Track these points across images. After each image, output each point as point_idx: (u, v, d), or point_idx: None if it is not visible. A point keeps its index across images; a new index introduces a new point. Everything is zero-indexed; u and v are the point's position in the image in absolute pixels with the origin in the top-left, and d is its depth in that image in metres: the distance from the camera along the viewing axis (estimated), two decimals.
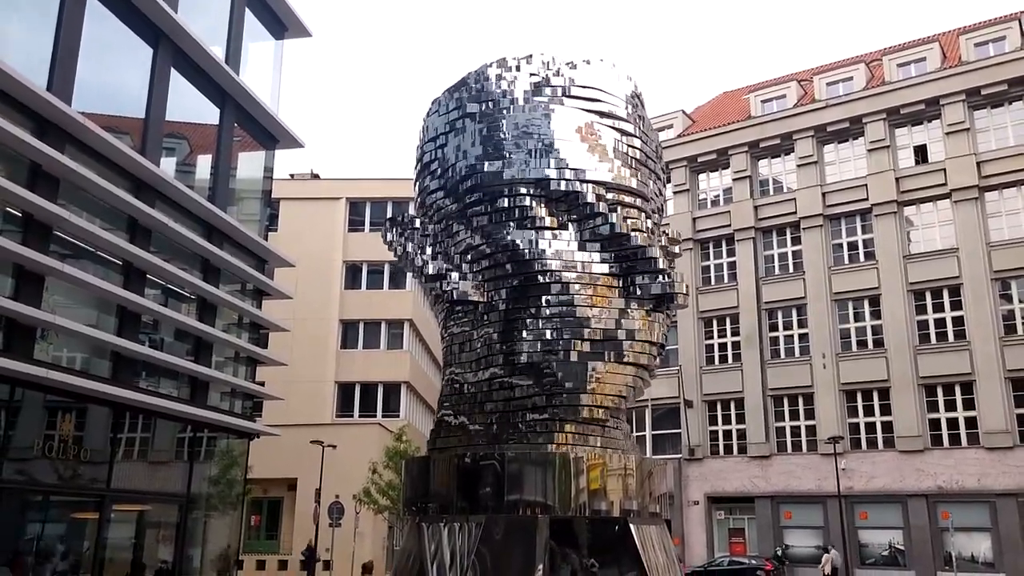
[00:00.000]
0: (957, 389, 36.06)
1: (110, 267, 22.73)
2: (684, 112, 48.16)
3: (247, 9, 29.99)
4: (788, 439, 39.58)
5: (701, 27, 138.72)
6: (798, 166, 41.86)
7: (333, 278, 47.99)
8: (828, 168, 41.44)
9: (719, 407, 41.71)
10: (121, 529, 24.53)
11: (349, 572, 36.94)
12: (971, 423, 35.41)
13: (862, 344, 38.78)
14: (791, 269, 41.35)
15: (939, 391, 36.45)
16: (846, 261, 40.03)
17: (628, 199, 15.42)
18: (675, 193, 44.23)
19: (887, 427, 37.20)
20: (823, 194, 40.74)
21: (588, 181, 14.96)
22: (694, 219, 43.84)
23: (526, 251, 14.69)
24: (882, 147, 39.58)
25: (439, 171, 15.74)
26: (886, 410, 37.36)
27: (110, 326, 22.61)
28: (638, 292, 14.61)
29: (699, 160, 44.61)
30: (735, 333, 41.94)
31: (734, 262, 42.87)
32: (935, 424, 36.24)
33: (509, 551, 13.06)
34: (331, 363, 46.91)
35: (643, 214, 15.47)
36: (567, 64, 15.69)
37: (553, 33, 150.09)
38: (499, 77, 15.59)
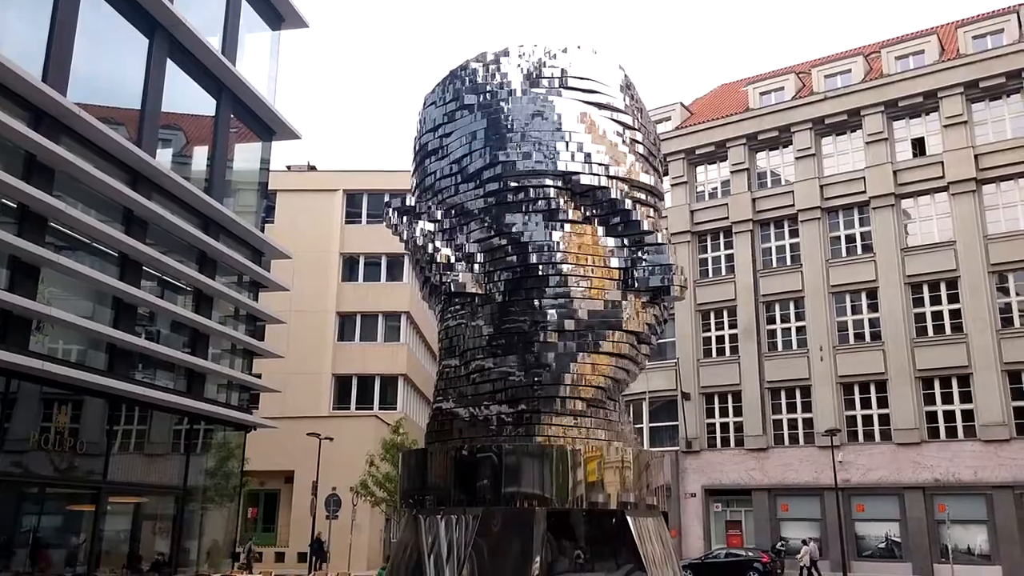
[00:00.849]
0: (954, 382, 36.09)
1: (106, 259, 22.69)
2: (682, 104, 48.10)
3: (243, 0, 29.88)
4: (785, 432, 39.62)
5: (700, 19, 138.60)
6: (796, 158, 41.82)
7: (330, 270, 47.93)
8: (826, 161, 41.41)
9: (716, 399, 41.74)
10: (117, 521, 24.54)
11: (347, 564, 36.96)
12: (968, 416, 35.44)
13: (859, 337, 38.79)
14: (789, 262, 41.34)
15: (936, 384, 36.48)
16: (844, 254, 40.02)
17: (642, 195, 15.43)
18: (673, 185, 44.22)
19: (884, 420, 37.23)
20: (821, 187, 40.71)
21: (614, 177, 14.92)
22: (692, 211, 43.80)
23: (538, 242, 14.59)
24: (880, 140, 39.55)
25: (446, 161, 15.63)
26: (883, 403, 37.39)
27: (106, 318, 22.57)
28: (635, 284, 14.55)
29: (697, 152, 44.55)
30: (733, 326, 41.94)
31: (732, 255, 42.85)
32: (932, 417, 36.28)
33: (507, 543, 13.05)
34: (328, 355, 46.88)
35: (655, 210, 15.46)
36: (550, 54, 15.57)
37: (550, 25, 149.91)
38: (493, 68, 15.49)
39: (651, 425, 42.25)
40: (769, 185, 42.91)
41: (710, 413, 41.83)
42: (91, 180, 21.14)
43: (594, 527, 15.08)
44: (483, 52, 16.05)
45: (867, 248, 39.28)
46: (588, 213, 15.21)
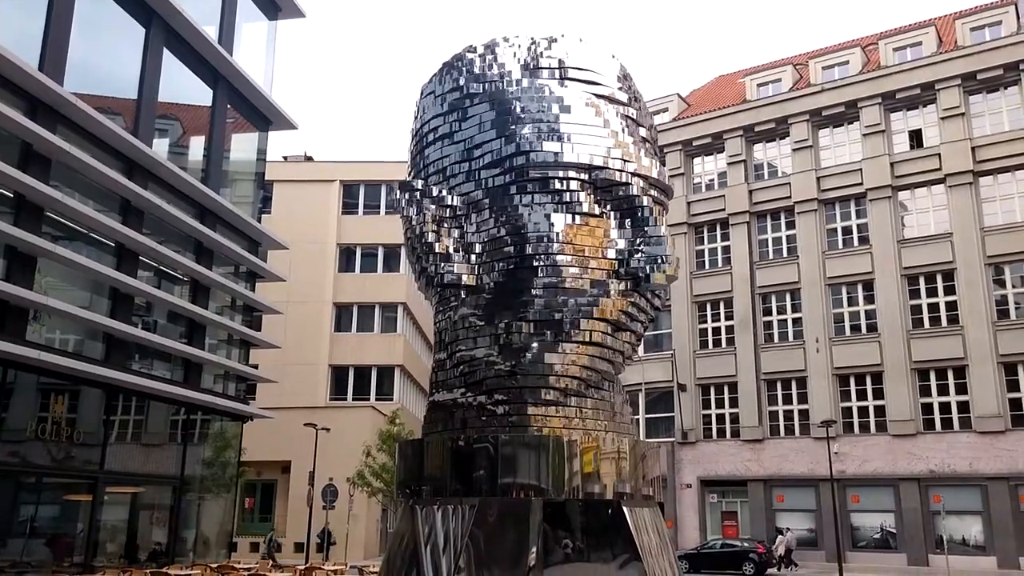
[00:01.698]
0: (950, 373, 36.18)
1: (103, 249, 22.66)
2: (679, 96, 48.03)
3: None
4: (781, 423, 39.71)
5: (697, 11, 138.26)
6: (793, 150, 41.82)
7: (327, 261, 47.86)
8: (823, 152, 41.40)
9: (712, 391, 41.80)
10: (115, 511, 24.57)
11: (343, 554, 37.02)
12: (963, 407, 35.54)
13: (855, 328, 38.85)
14: (785, 253, 41.37)
15: (932, 375, 36.57)
16: (840, 246, 40.06)
17: (655, 193, 15.45)
18: (670, 177, 43.75)
19: (880, 411, 37.32)
20: (818, 178, 40.72)
21: (635, 174, 14.93)
22: (688, 203, 43.81)
23: (539, 233, 14.54)
24: (877, 131, 39.54)
25: (459, 147, 15.53)
26: (879, 394, 37.48)
27: (103, 308, 22.55)
28: (625, 274, 14.55)
29: (694, 144, 44.52)
30: (729, 317, 41.99)
31: (728, 246, 42.87)
32: (927, 408, 36.38)
33: (503, 533, 13.05)
34: (325, 346, 46.86)
35: (664, 207, 15.47)
36: (555, 42, 15.54)
37: (546, 15, 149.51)
38: (506, 56, 15.46)
39: (647, 416, 42.31)
40: (766, 177, 42.91)
41: (706, 404, 41.89)
42: (88, 170, 21.09)
43: (590, 517, 15.13)
44: (493, 39, 16.04)
45: (863, 240, 39.32)
46: (602, 208, 15.21)
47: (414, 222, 16.28)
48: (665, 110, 46.25)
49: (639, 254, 15.97)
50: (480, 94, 16.50)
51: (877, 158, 39.19)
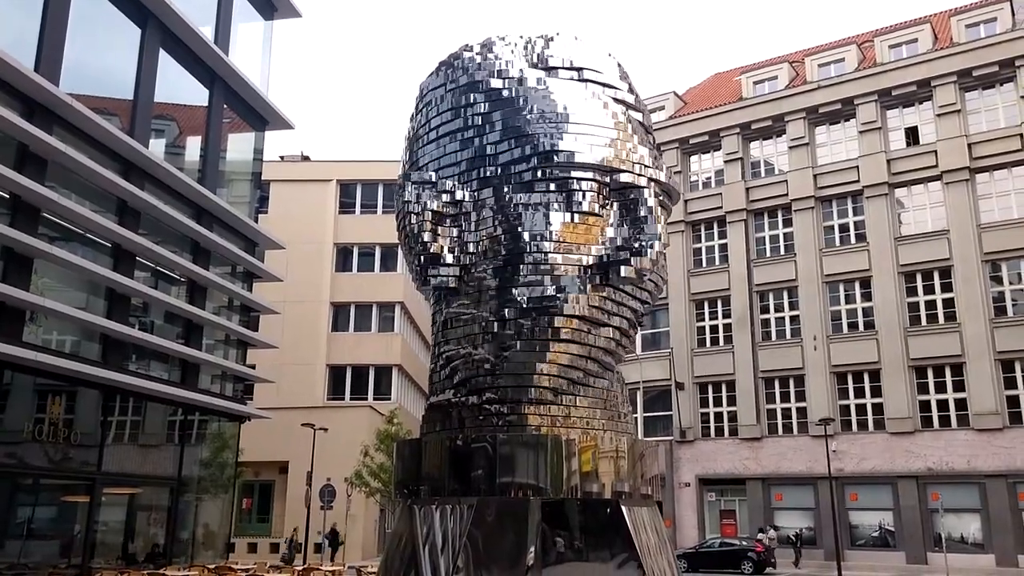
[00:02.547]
0: (947, 371, 36.21)
1: (99, 249, 22.62)
2: (676, 94, 48.05)
3: None
4: (779, 421, 39.73)
5: (693, 8, 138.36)
6: (790, 148, 41.84)
7: (324, 260, 47.84)
8: (819, 150, 41.42)
9: (710, 389, 41.83)
10: (112, 512, 24.54)
11: (342, 556, 37.02)
12: (961, 405, 35.57)
13: (853, 326, 38.87)
14: (782, 251, 41.39)
15: (929, 373, 36.59)
16: (837, 243, 40.08)
17: (663, 197, 15.50)
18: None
19: (878, 409, 37.35)
20: (814, 176, 40.75)
21: (652, 179, 14.97)
22: (686, 201, 43.78)
23: (534, 231, 14.54)
24: (873, 129, 39.57)
25: (468, 143, 15.45)
26: (877, 392, 37.51)
27: (100, 309, 22.52)
28: (596, 268, 14.54)
29: (691, 142, 44.54)
30: (726, 315, 42.01)
31: (725, 244, 42.89)
32: (925, 406, 36.41)
33: (501, 533, 13.05)
34: (322, 346, 46.84)
35: (667, 210, 15.50)
36: (547, 41, 15.51)
37: (542, 13, 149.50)
38: (496, 56, 15.41)
39: (645, 415, 42.33)
40: (763, 174, 42.94)
41: (704, 403, 41.92)
42: (84, 170, 21.06)
43: (588, 517, 15.06)
44: (489, 38, 15.96)
45: (861, 237, 39.35)
46: (607, 207, 15.13)
47: (414, 220, 16.24)
48: (662, 108, 46.26)
49: (617, 250, 15.92)
50: (487, 92, 16.39)
51: (874, 155, 39.22)
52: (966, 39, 38.68)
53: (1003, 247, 35.75)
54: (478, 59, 16.64)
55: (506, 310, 14.82)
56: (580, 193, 14.88)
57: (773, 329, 40.90)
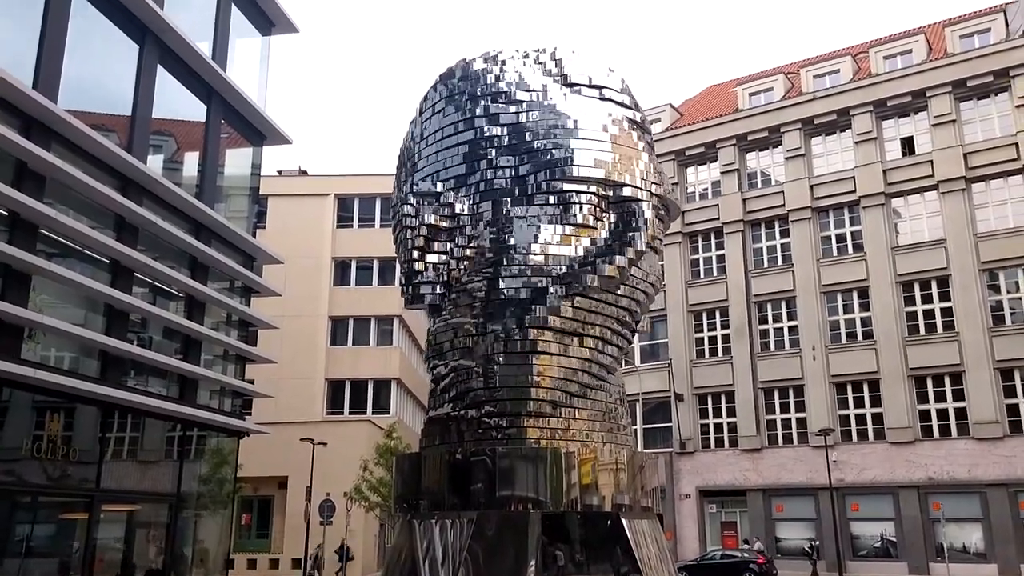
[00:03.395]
0: (947, 380, 36.18)
1: (98, 265, 22.59)
2: (672, 105, 48.20)
3: (234, 5, 29.84)
4: (779, 432, 39.68)
5: (688, 20, 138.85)
6: (786, 159, 41.94)
7: (322, 275, 47.82)
8: (816, 160, 41.53)
9: (710, 400, 41.78)
10: (111, 529, 24.41)
11: (342, 572, 36.85)
12: (961, 414, 35.54)
13: (851, 336, 38.87)
14: (780, 262, 41.43)
15: (929, 382, 36.57)
16: (835, 253, 40.12)
17: (663, 211, 15.58)
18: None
19: (877, 419, 37.31)
20: (811, 186, 40.83)
21: (655, 194, 15.09)
22: (683, 212, 43.82)
23: (522, 246, 14.54)
24: (869, 139, 39.67)
25: (461, 161, 15.44)
26: (876, 402, 37.48)
27: (98, 325, 22.47)
28: (568, 277, 14.55)
29: (687, 153, 44.64)
30: (725, 326, 42.01)
31: (723, 255, 42.93)
32: (925, 415, 36.37)
33: (501, 547, 13.02)
34: (321, 360, 46.76)
35: (662, 222, 15.59)
36: (552, 55, 15.60)
37: (537, 27, 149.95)
38: (501, 69, 15.47)
39: (645, 426, 42.27)
40: (759, 185, 43.02)
41: (703, 414, 41.87)
42: (82, 187, 21.06)
43: (589, 530, 15.06)
44: (508, 48, 16.01)
45: (858, 247, 39.40)
46: (606, 220, 15.19)
47: (409, 235, 16.28)
48: (658, 120, 46.37)
49: (586, 260, 15.98)
50: (493, 105, 16.41)
51: (870, 165, 39.31)
52: (960, 50, 38.85)
53: (1000, 256, 35.80)
54: (484, 71, 16.73)
55: (488, 322, 14.93)
56: (578, 206, 14.98)
57: (772, 339, 40.89)
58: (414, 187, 15.69)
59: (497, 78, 15.88)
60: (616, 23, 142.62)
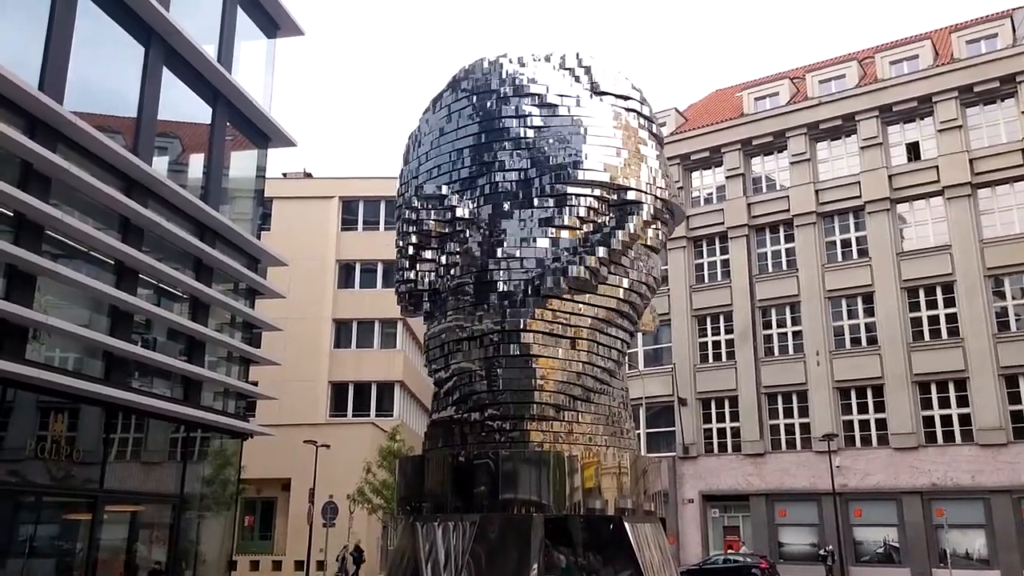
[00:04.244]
0: (951, 386, 36.12)
1: (102, 267, 22.63)
2: (677, 110, 48.19)
3: (239, 8, 29.89)
4: (782, 437, 39.62)
5: (694, 25, 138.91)
6: (791, 164, 41.91)
7: (326, 277, 47.88)
8: (821, 165, 41.49)
9: (713, 405, 41.73)
10: (114, 530, 24.43)
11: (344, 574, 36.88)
12: (965, 420, 35.47)
13: (856, 341, 38.82)
14: (784, 267, 41.39)
15: (933, 388, 36.50)
16: (839, 258, 40.08)
17: (666, 216, 15.61)
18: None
19: (881, 424, 37.25)
20: (816, 191, 40.80)
21: (660, 197, 15.13)
22: (687, 217, 43.82)
23: (510, 250, 14.58)
24: (875, 144, 39.63)
25: (467, 164, 15.46)
26: (880, 407, 37.41)
27: (102, 326, 22.50)
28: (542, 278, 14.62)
29: (692, 158, 44.63)
30: (729, 331, 41.98)
31: (727, 260, 42.91)
32: (929, 421, 36.29)
33: (504, 550, 13.02)
34: (324, 362, 46.81)
35: (665, 224, 15.61)
36: (583, 64, 15.72)
37: (545, 30, 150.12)
38: (510, 72, 15.50)
39: (648, 431, 42.24)
40: (764, 190, 43.00)
41: (707, 418, 41.82)
42: (88, 188, 21.10)
43: (592, 533, 15.06)
44: (519, 51, 16.05)
45: (863, 253, 39.36)
46: (605, 223, 15.22)
47: (401, 243, 16.36)
48: (663, 124, 46.30)
49: (556, 261, 16.02)
50: (503, 108, 16.39)
51: (875, 171, 39.27)
52: (967, 55, 38.79)
53: (1005, 262, 35.75)
54: (493, 74, 16.74)
55: (479, 325, 14.96)
56: (575, 208, 15.03)
57: (776, 344, 40.84)
58: (419, 190, 15.72)
59: (507, 81, 15.88)
60: (621, 27, 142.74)
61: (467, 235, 14.92)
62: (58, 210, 19.96)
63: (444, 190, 15.35)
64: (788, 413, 39.74)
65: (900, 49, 41.65)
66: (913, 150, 39.34)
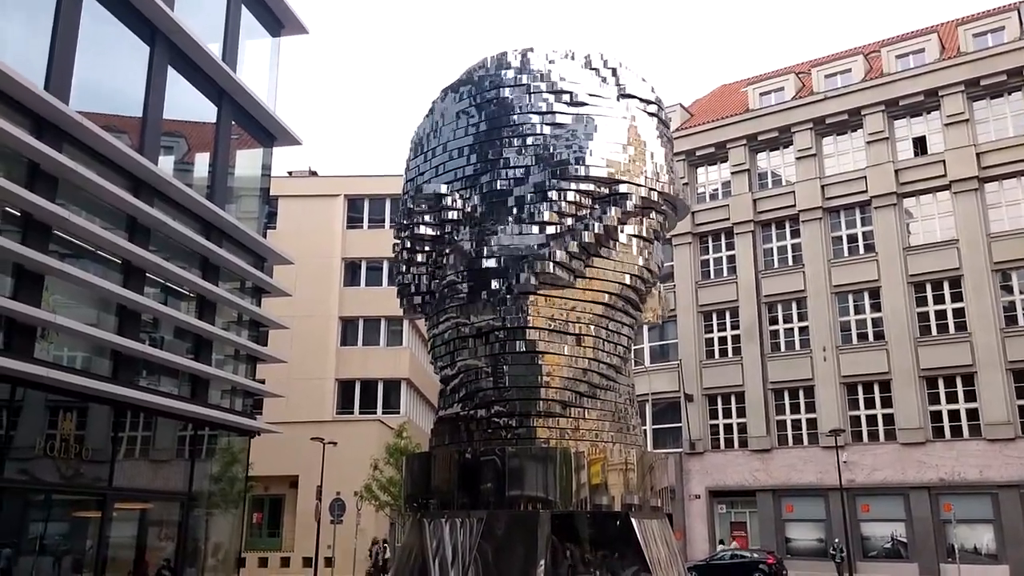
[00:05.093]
0: (958, 381, 36.03)
1: (110, 266, 22.71)
2: (682, 105, 48.11)
3: (244, 6, 29.92)
4: (789, 432, 39.59)
5: (699, 20, 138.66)
6: (797, 159, 41.83)
7: (332, 275, 47.95)
8: (827, 161, 41.40)
9: (720, 401, 41.71)
10: (123, 528, 24.54)
11: (351, 570, 36.99)
12: (972, 415, 35.40)
13: (862, 337, 38.76)
14: (791, 262, 41.33)
15: (940, 383, 36.43)
16: (846, 254, 40.00)
17: (666, 208, 15.62)
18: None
19: (888, 419, 37.18)
20: (822, 187, 40.71)
21: (659, 192, 15.17)
22: (693, 213, 43.74)
23: (505, 245, 14.63)
24: (881, 139, 39.53)
25: (471, 161, 15.50)
26: (887, 402, 37.35)
27: (110, 325, 22.59)
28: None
29: (697, 154, 44.57)
30: (735, 327, 41.93)
31: (733, 255, 42.86)
32: (936, 416, 36.23)
33: (511, 546, 13.05)
34: (331, 360, 46.91)
35: (666, 217, 15.64)
36: (608, 63, 15.84)
37: (550, 26, 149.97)
38: (514, 71, 15.54)
39: (654, 427, 42.26)
40: (770, 186, 42.92)
41: (713, 414, 41.81)
42: (94, 188, 21.16)
43: (598, 529, 15.07)
44: (525, 48, 16.07)
45: (869, 248, 39.27)
46: (592, 215, 15.28)
47: (398, 247, 16.43)
48: (668, 120, 46.27)
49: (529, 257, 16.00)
50: (502, 108, 16.47)
51: (881, 165, 39.17)
52: (973, 48, 38.65)
53: (1013, 256, 35.63)
54: (513, 70, 16.76)
55: (475, 322, 15.03)
56: (559, 203, 15.06)
57: (782, 340, 40.79)
58: (418, 190, 15.78)
59: (511, 80, 15.91)
60: (626, 22, 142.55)
61: (458, 234, 14.97)
62: (65, 210, 20.03)
63: (444, 189, 15.40)
64: (795, 409, 39.70)
65: (906, 43, 41.51)
66: (920, 144, 39.22)
